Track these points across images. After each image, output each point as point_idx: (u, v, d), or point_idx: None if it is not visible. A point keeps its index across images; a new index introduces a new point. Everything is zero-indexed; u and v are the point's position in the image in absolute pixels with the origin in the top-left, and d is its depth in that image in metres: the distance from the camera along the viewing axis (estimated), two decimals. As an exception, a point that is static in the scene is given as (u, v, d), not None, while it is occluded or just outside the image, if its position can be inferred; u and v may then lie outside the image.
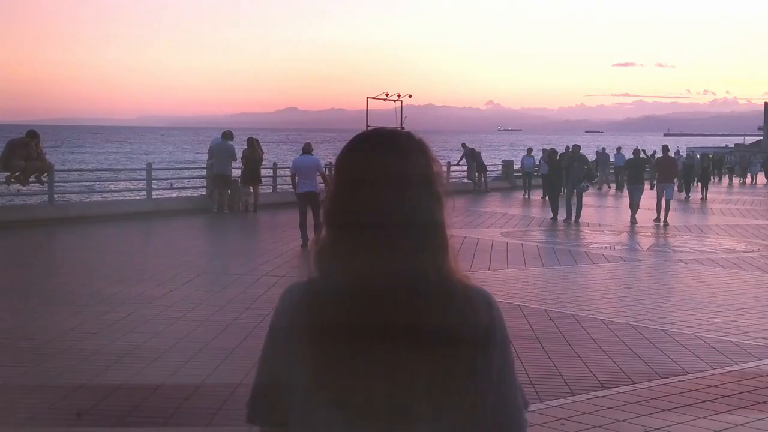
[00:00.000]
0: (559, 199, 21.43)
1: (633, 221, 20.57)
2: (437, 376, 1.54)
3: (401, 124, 27.25)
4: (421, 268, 1.55)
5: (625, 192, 31.65)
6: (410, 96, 27.32)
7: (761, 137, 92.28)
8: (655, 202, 21.20)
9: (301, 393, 1.58)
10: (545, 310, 9.82)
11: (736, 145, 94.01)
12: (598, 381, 6.87)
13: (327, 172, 15.77)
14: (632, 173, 21.80)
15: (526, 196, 28.73)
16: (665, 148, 23.20)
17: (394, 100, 27.21)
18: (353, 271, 1.56)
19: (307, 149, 15.28)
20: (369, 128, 1.72)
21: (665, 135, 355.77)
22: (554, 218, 20.98)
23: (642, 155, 23.26)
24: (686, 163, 33.35)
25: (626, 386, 6.74)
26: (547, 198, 22.82)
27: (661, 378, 7.02)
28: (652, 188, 21.64)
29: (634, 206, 20.95)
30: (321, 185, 14.55)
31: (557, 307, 9.98)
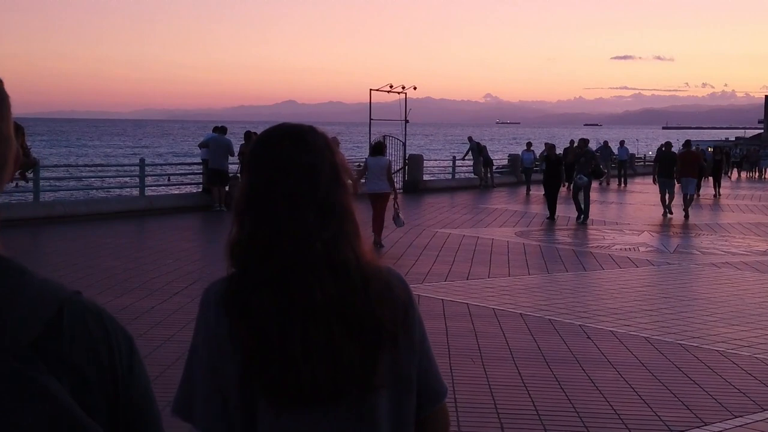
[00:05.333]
0: (559, 198, 20.15)
1: (668, 213, 20.55)
2: (367, 354, 1.58)
3: (406, 117, 26.09)
4: (342, 256, 1.60)
5: (635, 188, 30.66)
6: (415, 88, 26.17)
7: (761, 130, 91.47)
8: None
9: (234, 389, 1.58)
10: (580, 325, 8.76)
11: (736, 138, 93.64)
12: (662, 421, 5.80)
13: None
14: (663, 166, 21.09)
15: (526, 193, 27.43)
16: (687, 143, 22.43)
17: (398, 93, 26.08)
18: (274, 263, 1.58)
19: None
20: (277, 124, 1.73)
21: (664, 128, 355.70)
22: (552, 218, 19.56)
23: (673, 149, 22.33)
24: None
25: (697, 428, 5.68)
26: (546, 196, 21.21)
27: (735, 417, 5.96)
28: (678, 182, 20.94)
29: (665, 200, 20.73)
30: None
31: (593, 322, 8.91)
